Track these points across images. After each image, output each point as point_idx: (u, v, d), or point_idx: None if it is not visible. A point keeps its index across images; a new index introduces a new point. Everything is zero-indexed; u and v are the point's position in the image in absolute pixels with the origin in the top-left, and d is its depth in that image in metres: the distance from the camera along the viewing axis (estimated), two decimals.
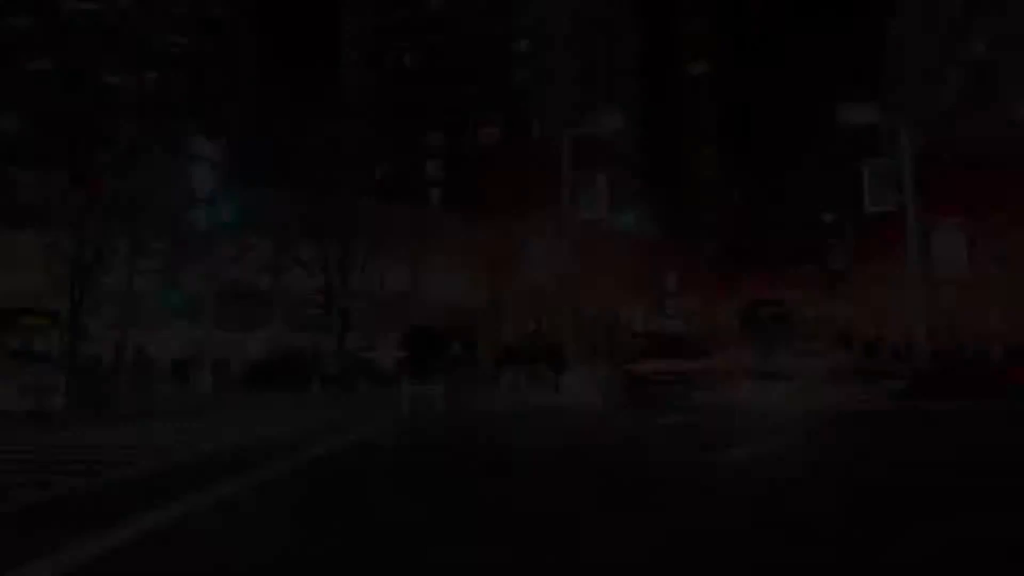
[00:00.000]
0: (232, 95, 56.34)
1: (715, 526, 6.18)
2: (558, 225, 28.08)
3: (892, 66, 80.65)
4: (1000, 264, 33.15)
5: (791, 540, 5.63)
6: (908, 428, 14.26)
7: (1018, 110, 41.84)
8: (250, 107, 55.58)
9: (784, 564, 5.02)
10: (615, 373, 21.31)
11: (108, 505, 7.41)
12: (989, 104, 46.59)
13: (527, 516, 6.59)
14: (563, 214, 26.88)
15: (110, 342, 25.81)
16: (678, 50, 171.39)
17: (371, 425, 15.44)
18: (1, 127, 39.04)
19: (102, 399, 19.53)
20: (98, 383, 20.76)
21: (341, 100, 35.60)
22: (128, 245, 24.91)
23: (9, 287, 36.21)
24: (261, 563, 5.23)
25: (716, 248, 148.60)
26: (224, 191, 26.34)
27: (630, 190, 70.15)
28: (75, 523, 6.46)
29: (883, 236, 40.03)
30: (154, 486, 8.40)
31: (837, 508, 6.75)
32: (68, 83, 43.54)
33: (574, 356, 26.52)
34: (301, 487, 8.60)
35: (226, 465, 9.70)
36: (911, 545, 5.40)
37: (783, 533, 5.85)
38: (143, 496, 7.58)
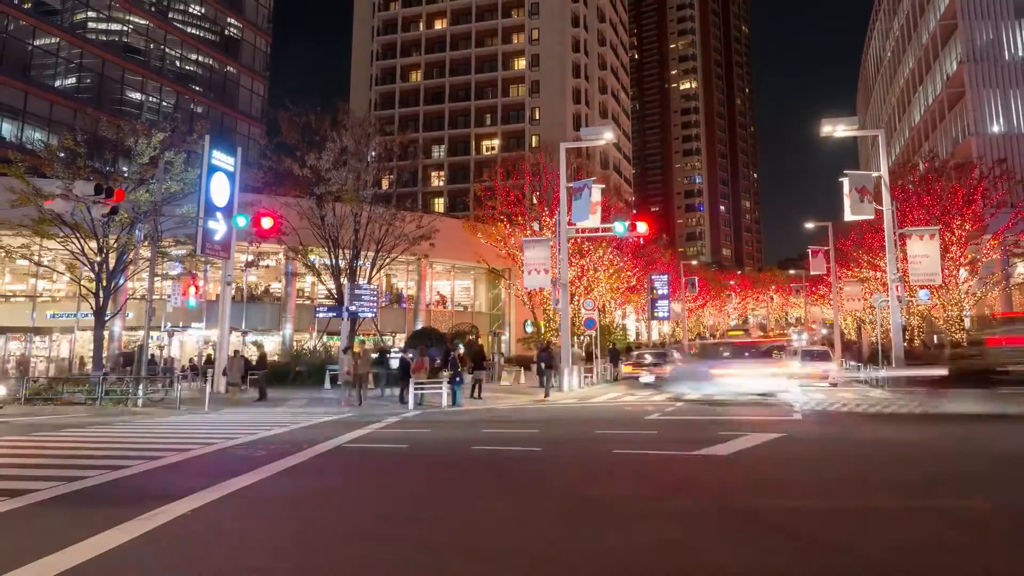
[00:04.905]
0: (248, 108, 56.42)
1: None
2: (555, 232, 28.18)
3: (871, 81, 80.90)
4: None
5: None
6: None
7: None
8: (264, 118, 55.69)
9: None
10: None
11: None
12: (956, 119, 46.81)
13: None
14: (560, 222, 26.98)
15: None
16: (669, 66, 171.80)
17: (383, 421, 15.84)
18: (29, 140, 39.07)
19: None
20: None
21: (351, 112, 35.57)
22: (149, 251, 24.94)
23: (36, 292, 36.36)
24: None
25: (706, 253, 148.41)
26: (241, 200, 26.43)
27: (624, 198, 70.23)
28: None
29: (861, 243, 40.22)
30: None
31: None
32: (92, 99, 43.58)
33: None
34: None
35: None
36: None
37: None
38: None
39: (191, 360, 36.12)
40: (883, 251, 28.09)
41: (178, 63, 52.32)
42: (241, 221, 24.42)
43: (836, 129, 24.40)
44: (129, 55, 48.15)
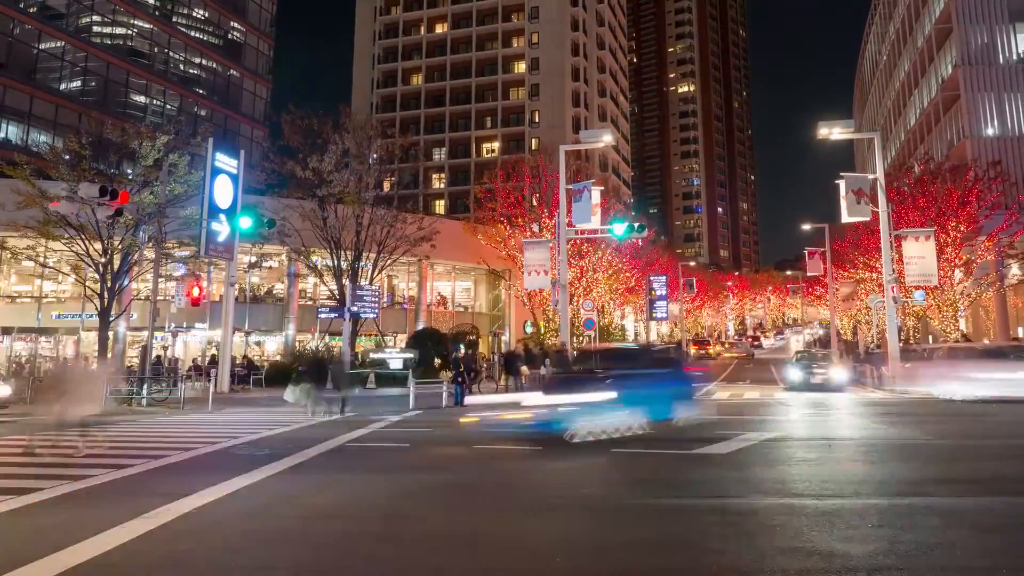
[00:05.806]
0: (251, 111, 56.40)
1: None
2: (554, 234, 28.18)
3: (866, 85, 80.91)
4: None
5: None
6: None
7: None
8: (267, 121, 55.74)
9: None
10: None
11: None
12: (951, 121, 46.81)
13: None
14: (559, 224, 26.98)
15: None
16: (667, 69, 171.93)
17: (386, 419, 15.90)
18: (34, 142, 39.08)
19: None
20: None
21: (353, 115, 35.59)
22: (154, 253, 24.95)
23: (42, 293, 36.34)
24: None
25: (703, 254, 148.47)
26: (244, 202, 26.42)
27: (623, 200, 70.24)
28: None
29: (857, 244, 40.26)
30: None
31: None
32: (97, 102, 43.59)
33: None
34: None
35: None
36: None
37: None
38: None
39: (194, 360, 36.13)
40: (879, 252, 28.09)
41: (182, 67, 52.32)
42: (244, 223, 24.46)
43: (832, 132, 24.41)
44: (133, 59, 48.16)
